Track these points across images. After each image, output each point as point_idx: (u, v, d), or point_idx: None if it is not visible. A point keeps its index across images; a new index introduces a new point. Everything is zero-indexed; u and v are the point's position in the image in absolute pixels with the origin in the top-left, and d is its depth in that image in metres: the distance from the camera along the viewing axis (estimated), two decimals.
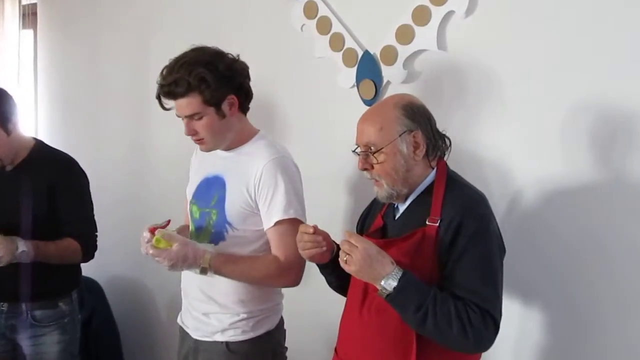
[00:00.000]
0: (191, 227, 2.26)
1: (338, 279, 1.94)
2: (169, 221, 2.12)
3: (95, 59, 3.68)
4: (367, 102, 2.39)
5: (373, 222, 1.94)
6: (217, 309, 2.16)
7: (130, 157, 3.55)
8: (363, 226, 2.01)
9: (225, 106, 2.07)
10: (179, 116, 2.09)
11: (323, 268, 1.96)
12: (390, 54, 2.32)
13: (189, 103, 2.04)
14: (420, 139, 1.76)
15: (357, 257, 1.64)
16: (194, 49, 2.08)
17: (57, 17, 3.93)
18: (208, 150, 2.17)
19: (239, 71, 2.10)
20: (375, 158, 1.76)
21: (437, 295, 1.63)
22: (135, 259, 3.12)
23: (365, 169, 1.80)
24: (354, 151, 1.83)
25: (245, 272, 2.09)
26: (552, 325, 2.05)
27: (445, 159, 1.84)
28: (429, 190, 1.78)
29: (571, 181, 1.97)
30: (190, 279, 2.20)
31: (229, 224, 2.12)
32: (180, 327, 2.29)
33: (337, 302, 1.98)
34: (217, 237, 2.15)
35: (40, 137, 2.87)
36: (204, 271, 2.05)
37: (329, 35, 2.51)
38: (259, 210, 2.10)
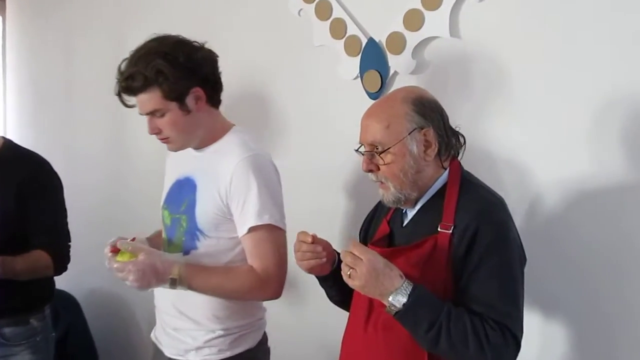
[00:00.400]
0: (163, 235, 2.26)
1: (340, 292, 1.93)
2: (133, 238, 2.11)
3: (68, 51, 3.68)
4: (372, 96, 2.39)
5: (378, 228, 1.94)
6: (190, 325, 2.16)
7: (108, 156, 3.56)
8: (367, 233, 2.00)
9: (189, 100, 2.07)
10: (141, 113, 2.09)
11: (323, 281, 1.95)
12: (397, 42, 2.32)
13: (149, 99, 2.04)
14: (431, 137, 1.75)
15: (361, 270, 1.62)
16: (154, 39, 2.09)
17: (27, 7, 3.92)
18: (176, 150, 2.17)
19: (203, 61, 2.09)
20: (382, 159, 1.75)
21: (451, 311, 1.62)
22: None
23: (370, 171, 1.79)
24: (357, 150, 1.82)
25: (219, 285, 2.08)
26: (578, 341, 2.04)
27: (459, 158, 1.84)
28: (441, 193, 1.77)
29: (598, 182, 1.97)
30: (162, 292, 2.18)
31: (200, 232, 2.12)
32: (154, 343, 2.29)
33: (336, 316, 1.98)
34: (188, 246, 2.14)
35: (9, 136, 2.86)
36: (173, 284, 2.03)
37: (329, 21, 2.50)
38: (232, 215, 2.09)
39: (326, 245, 1.86)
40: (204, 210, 2.10)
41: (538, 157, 2.07)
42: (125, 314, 3.56)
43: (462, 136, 1.84)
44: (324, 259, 1.84)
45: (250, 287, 2.07)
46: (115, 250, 2.03)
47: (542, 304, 2.08)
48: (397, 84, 2.34)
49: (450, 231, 1.69)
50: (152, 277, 2.00)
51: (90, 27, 3.53)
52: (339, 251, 1.92)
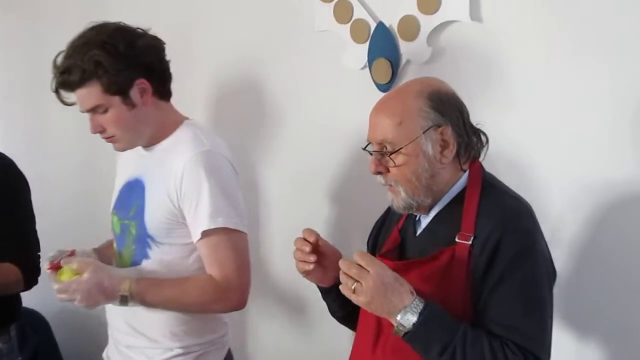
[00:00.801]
0: (114, 244, 2.28)
1: (342, 308, 1.91)
2: (72, 251, 2.13)
3: (39, 42, 3.66)
4: (382, 88, 2.38)
5: (388, 237, 1.92)
6: (145, 342, 2.18)
7: (81, 155, 3.56)
8: (376, 242, 1.99)
9: (134, 93, 2.09)
10: (82, 111, 2.11)
11: (325, 293, 1.93)
12: (410, 27, 2.31)
13: (88, 94, 2.06)
14: (449, 136, 1.73)
15: (367, 285, 1.59)
16: (92, 27, 2.11)
17: None
18: (123, 150, 2.20)
19: (146, 49, 2.11)
20: (392, 160, 1.74)
21: (467, 333, 1.60)
22: None
23: (379, 173, 1.77)
24: (364, 149, 1.80)
25: (175, 298, 2.09)
26: None
27: (480, 159, 1.82)
28: (459, 198, 1.76)
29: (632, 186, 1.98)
30: (113, 307, 2.19)
31: (151, 238, 2.13)
32: None
33: (341, 338, 1.95)
34: (139, 255, 2.16)
35: None
36: (124, 301, 2.05)
37: (333, 3, 2.50)
38: (185, 219, 2.11)
39: (332, 252, 1.84)
40: (154, 214, 2.12)
41: (575, 161, 2.07)
42: (99, 334, 3.52)
43: (485, 134, 1.82)
44: (311, 266, 1.81)
45: (209, 298, 2.09)
46: (55, 267, 2.05)
47: (574, 324, 2.07)
48: (410, 74, 2.33)
49: (470, 242, 1.67)
50: (100, 295, 2.02)
51: (62, 17, 3.52)
52: None
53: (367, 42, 2.41)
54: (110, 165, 3.38)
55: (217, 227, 2.05)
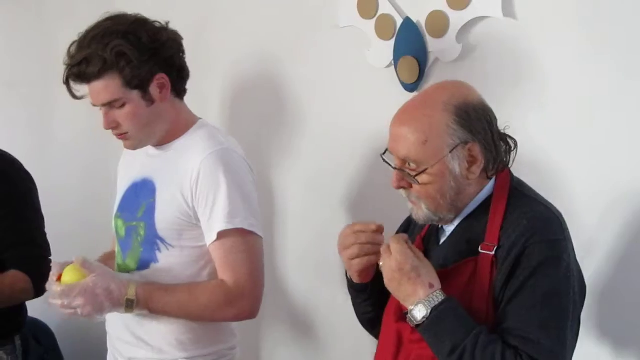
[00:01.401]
0: (116, 249, 2.27)
1: (374, 308, 1.91)
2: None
3: (47, 38, 3.68)
4: (408, 87, 2.38)
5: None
6: (149, 353, 2.17)
7: (88, 156, 3.57)
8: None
9: (153, 89, 2.09)
10: (94, 105, 2.10)
11: (361, 291, 1.90)
12: (439, 23, 2.30)
13: (106, 87, 2.05)
14: (477, 152, 1.72)
15: (386, 267, 1.69)
16: (110, 17, 2.10)
17: None
18: (134, 148, 2.19)
19: (167, 42, 2.11)
20: (417, 179, 1.73)
21: (480, 336, 1.60)
22: None
23: (402, 187, 1.77)
24: (383, 157, 1.80)
25: (183, 304, 2.09)
26: None
27: (510, 166, 1.81)
28: (485, 206, 1.76)
29: None
30: (115, 315, 2.17)
31: (162, 240, 2.13)
32: None
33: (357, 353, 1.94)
34: (147, 258, 2.16)
35: None
36: (129, 306, 2.04)
37: None
38: (199, 220, 2.10)
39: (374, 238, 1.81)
40: (165, 215, 2.12)
41: (613, 165, 2.06)
42: (105, 345, 3.54)
43: (513, 139, 1.80)
44: (363, 255, 1.79)
45: (219, 304, 2.09)
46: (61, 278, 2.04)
47: (615, 337, 2.06)
48: (438, 73, 2.32)
49: (493, 252, 1.68)
50: (106, 300, 2.01)
51: (69, 9, 3.53)
52: None
53: (393, 39, 2.40)
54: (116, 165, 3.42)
55: (234, 228, 2.05)
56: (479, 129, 1.72)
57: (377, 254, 1.76)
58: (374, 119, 2.36)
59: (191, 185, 2.07)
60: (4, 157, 2.62)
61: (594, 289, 1.98)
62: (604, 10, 2.03)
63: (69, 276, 2.01)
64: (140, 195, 2.19)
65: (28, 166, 2.68)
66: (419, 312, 1.63)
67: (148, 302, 2.05)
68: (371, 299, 1.89)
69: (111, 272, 2.09)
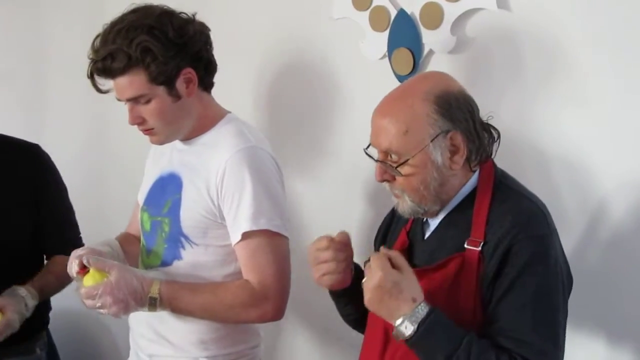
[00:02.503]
0: (141, 243, 2.26)
1: (356, 310, 1.91)
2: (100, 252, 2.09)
3: (38, 26, 3.67)
4: (403, 79, 2.35)
5: (396, 239, 1.93)
6: (170, 351, 2.16)
7: (86, 148, 3.57)
8: (383, 242, 1.99)
9: (180, 84, 2.07)
10: (119, 100, 2.08)
11: (340, 296, 1.92)
12: (433, 14, 2.30)
13: (131, 82, 2.02)
14: (459, 141, 1.72)
15: (368, 284, 1.64)
16: (135, 10, 2.06)
17: None
18: (160, 143, 2.17)
19: (195, 36, 2.08)
20: (399, 171, 1.73)
21: (472, 343, 1.60)
22: None
23: (386, 181, 1.77)
24: (366, 151, 1.80)
25: (207, 305, 2.06)
26: None
27: (492, 156, 1.81)
28: (469, 199, 1.76)
29: None
30: (138, 312, 2.14)
31: (186, 238, 2.12)
32: None
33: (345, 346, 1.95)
34: (171, 255, 2.14)
35: None
36: (152, 305, 2.02)
37: None
38: (224, 219, 2.09)
39: (347, 249, 1.83)
40: (191, 212, 2.10)
41: (604, 155, 2.05)
42: (101, 339, 3.57)
43: (496, 130, 1.81)
44: (340, 271, 1.81)
45: (244, 305, 2.07)
46: (85, 271, 2.01)
47: (610, 330, 2.06)
48: (433, 65, 2.32)
49: (479, 248, 1.67)
50: (131, 299, 1.99)
51: (63, 3, 3.53)
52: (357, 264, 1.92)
53: (387, 31, 2.40)
54: (113, 157, 3.42)
55: (259, 229, 2.03)
56: (460, 118, 1.72)
57: (336, 272, 1.78)
58: (369, 111, 2.35)
59: (217, 184, 2.05)
60: (32, 145, 2.60)
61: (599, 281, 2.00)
62: (599, 1, 2.03)
63: (91, 277, 1.98)
64: (167, 191, 2.17)
65: None
66: (406, 329, 1.60)
67: (171, 301, 2.03)
68: (352, 302, 1.89)
69: (130, 269, 2.06)
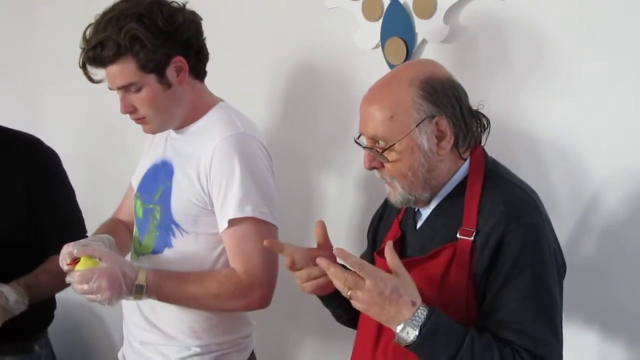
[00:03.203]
0: (134, 231, 2.27)
1: (348, 311, 1.87)
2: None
3: (29, 17, 3.66)
4: None
5: (389, 230, 1.93)
6: (162, 339, 2.17)
7: (82, 141, 3.56)
8: (376, 234, 2.00)
9: (170, 72, 2.07)
10: (111, 89, 2.09)
11: (327, 300, 1.90)
12: (426, 4, 2.30)
13: (121, 71, 2.03)
14: (445, 126, 1.72)
15: (364, 295, 1.59)
16: (124, 0, 2.07)
17: None
18: (153, 132, 2.19)
19: (185, 24, 2.09)
20: (386, 156, 1.73)
21: (474, 341, 1.59)
22: None
23: (374, 168, 1.77)
24: (357, 141, 1.80)
25: (193, 293, 2.07)
26: None
27: (482, 144, 1.81)
28: (460, 188, 1.76)
29: None
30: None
31: (177, 225, 2.12)
32: None
33: (342, 338, 1.96)
34: (162, 243, 2.15)
35: None
36: (138, 292, 2.02)
37: None
38: (214, 206, 2.09)
39: (320, 256, 1.76)
40: (181, 199, 2.11)
41: (596, 143, 2.05)
42: (94, 328, 3.56)
43: (486, 118, 1.80)
44: (321, 280, 1.77)
45: (230, 294, 2.07)
46: (75, 263, 2.00)
47: (603, 319, 2.06)
48: (426, 54, 2.33)
49: (472, 238, 1.67)
50: (123, 284, 1.98)
51: None
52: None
53: (380, 20, 2.40)
54: (109, 148, 3.42)
55: (245, 216, 2.03)
56: (446, 103, 1.72)
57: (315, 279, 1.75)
58: (361, 99, 2.37)
59: (206, 171, 2.06)
60: (33, 138, 2.58)
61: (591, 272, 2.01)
62: None
63: (84, 264, 1.97)
64: (159, 178, 2.18)
65: None
66: (408, 334, 1.57)
67: (158, 289, 2.03)
68: (342, 305, 1.87)
69: (119, 256, 2.06)
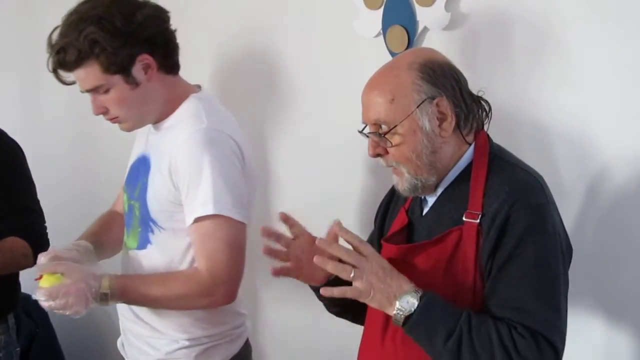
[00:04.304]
0: (125, 224, 2.27)
1: (339, 302, 1.87)
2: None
3: (30, 9, 3.64)
4: None
5: (395, 217, 1.93)
6: (150, 332, 2.18)
7: (81, 136, 3.56)
8: (383, 222, 2.00)
9: (136, 71, 2.07)
10: (82, 91, 2.09)
11: (317, 291, 1.89)
12: None
13: (87, 74, 2.04)
14: (445, 107, 1.73)
15: (366, 270, 1.61)
16: (87, 0, 2.06)
17: None
18: (129, 130, 2.18)
19: (147, 21, 2.06)
20: (389, 140, 1.74)
21: (471, 316, 1.60)
22: None
23: (379, 155, 1.78)
24: (361, 132, 1.81)
25: (157, 296, 2.06)
26: None
27: (485, 129, 1.82)
28: (466, 174, 1.77)
29: None
30: None
31: (154, 222, 2.13)
32: (120, 355, 2.33)
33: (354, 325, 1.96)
34: (144, 239, 2.16)
35: None
36: (104, 299, 2.01)
37: None
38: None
39: (312, 242, 1.81)
40: (156, 195, 2.11)
41: (602, 128, 2.05)
42: (99, 321, 3.54)
43: (487, 102, 1.82)
44: (288, 263, 1.83)
45: (193, 294, 2.06)
46: (40, 278, 2.00)
47: (608, 305, 2.07)
48: (428, 42, 2.32)
49: (478, 220, 1.68)
50: (89, 295, 1.98)
51: None
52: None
53: (382, 8, 2.40)
54: (108, 142, 3.40)
55: (208, 214, 2.01)
56: (446, 84, 1.74)
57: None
58: (362, 89, 2.37)
59: (175, 167, 2.05)
60: None
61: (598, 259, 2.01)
62: None
63: (48, 281, 1.97)
64: (140, 173, 2.18)
65: (18, 140, 2.68)
66: (409, 303, 1.60)
67: (122, 294, 2.03)
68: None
69: (82, 266, 2.06)
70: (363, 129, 1.80)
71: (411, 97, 1.72)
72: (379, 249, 1.81)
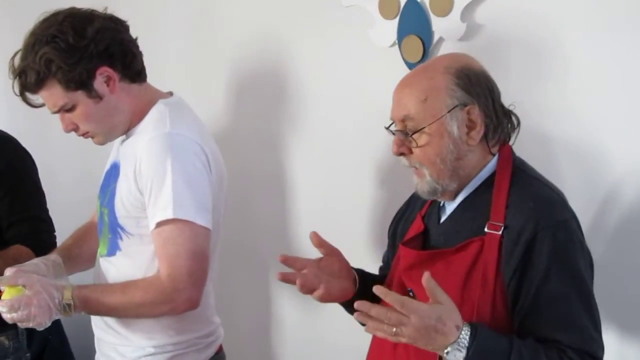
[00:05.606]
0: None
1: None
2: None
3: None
4: (412, 66, 2.36)
5: (410, 225, 1.93)
6: (117, 339, 2.18)
7: (86, 140, 3.53)
8: (396, 229, 2.01)
9: (98, 84, 2.07)
10: (52, 113, 2.11)
11: (348, 306, 1.91)
12: (443, 1, 2.30)
13: (50, 94, 2.06)
14: (476, 116, 1.74)
15: (409, 330, 1.56)
16: (44, 19, 2.07)
17: None
18: (102, 144, 2.19)
19: (97, 35, 2.05)
20: (415, 140, 1.74)
21: (521, 350, 1.58)
22: None
23: (402, 154, 1.78)
24: (387, 128, 1.81)
25: (118, 304, 2.06)
26: None
27: (511, 143, 1.82)
28: (487, 184, 1.77)
29: None
30: None
31: (121, 228, 2.13)
32: None
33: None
34: (113, 245, 2.16)
35: None
36: (66, 310, 2.01)
37: None
38: None
39: (338, 255, 1.84)
40: (122, 201, 2.11)
41: (614, 142, 2.05)
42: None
43: (516, 116, 1.82)
44: (321, 290, 1.81)
45: (153, 302, 2.05)
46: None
47: (622, 317, 2.06)
48: (443, 52, 2.32)
49: (500, 232, 1.67)
50: (52, 306, 1.99)
51: None
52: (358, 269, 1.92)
53: (397, 18, 2.40)
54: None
55: (167, 218, 2.01)
56: (480, 93, 1.75)
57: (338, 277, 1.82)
58: (379, 98, 2.33)
59: (138, 172, 2.05)
60: (4, 134, 2.62)
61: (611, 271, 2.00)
62: None
63: (9, 293, 1.99)
64: (110, 180, 2.19)
65: (28, 146, 2.69)
66: (456, 357, 1.56)
67: (84, 305, 2.03)
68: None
69: (43, 278, 2.05)
70: (390, 125, 1.80)
71: (443, 101, 1.73)
72: (393, 257, 1.81)
